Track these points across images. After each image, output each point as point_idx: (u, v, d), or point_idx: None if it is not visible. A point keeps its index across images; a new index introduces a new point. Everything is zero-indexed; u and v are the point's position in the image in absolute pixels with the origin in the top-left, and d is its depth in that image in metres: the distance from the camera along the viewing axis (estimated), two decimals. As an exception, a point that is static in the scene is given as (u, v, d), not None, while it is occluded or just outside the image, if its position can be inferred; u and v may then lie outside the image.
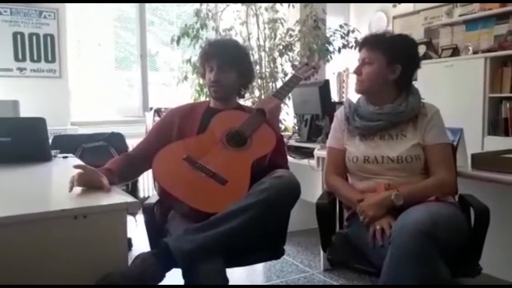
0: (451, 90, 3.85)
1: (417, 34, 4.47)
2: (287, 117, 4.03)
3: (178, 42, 3.93)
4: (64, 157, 2.18)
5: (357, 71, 1.71)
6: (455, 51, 4.08)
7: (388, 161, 1.63)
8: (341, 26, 4.16)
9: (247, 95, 4.05)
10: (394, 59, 1.65)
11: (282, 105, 2.03)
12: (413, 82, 1.77)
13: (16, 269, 1.08)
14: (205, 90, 4.01)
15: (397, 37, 1.73)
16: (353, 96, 1.85)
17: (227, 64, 1.76)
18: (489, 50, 3.79)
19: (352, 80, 5.00)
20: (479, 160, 1.81)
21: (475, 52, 3.92)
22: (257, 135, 1.70)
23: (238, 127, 1.70)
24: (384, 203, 1.53)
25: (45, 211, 1.15)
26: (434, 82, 3.89)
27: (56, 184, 1.41)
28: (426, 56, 4.21)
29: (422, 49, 4.21)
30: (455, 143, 1.82)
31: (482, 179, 1.75)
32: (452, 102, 3.70)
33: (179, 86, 4.18)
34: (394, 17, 4.95)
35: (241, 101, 1.99)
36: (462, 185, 1.70)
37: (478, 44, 4.02)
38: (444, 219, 1.35)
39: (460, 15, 4.17)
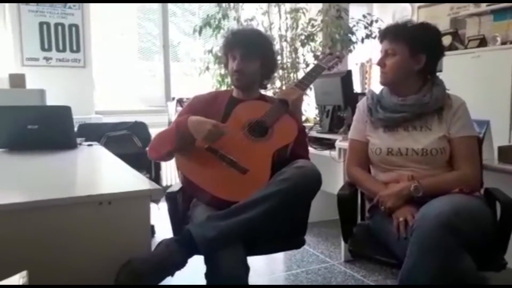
0: (478, 81, 3.75)
1: (443, 25, 4.36)
2: (309, 108, 4.00)
3: (200, 32, 3.94)
4: (89, 145, 2.23)
5: (381, 63, 1.68)
6: (482, 42, 3.96)
7: (413, 154, 1.61)
8: (364, 16, 4.09)
9: (268, 85, 4.05)
10: (417, 49, 1.62)
11: (303, 95, 2.01)
12: (438, 74, 1.74)
13: (41, 254, 1.12)
14: (226, 80, 4.02)
15: (419, 26, 1.69)
16: (376, 87, 1.83)
17: (250, 53, 1.75)
18: (518, 41, 3.68)
19: (375, 71, 4.95)
20: (506, 153, 1.77)
21: (503, 43, 3.81)
22: (278, 125, 1.70)
23: (260, 117, 1.70)
24: (403, 193, 1.52)
25: (71, 196, 1.18)
26: (460, 74, 3.80)
27: (81, 171, 1.45)
28: (452, 47, 4.11)
29: (448, 40, 4.11)
30: (481, 135, 1.78)
31: (508, 172, 1.71)
32: (479, 94, 3.61)
33: (200, 76, 4.19)
34: (419, 7, 4.84)
35: (262, 91, 1.98)
36: (488, 178, 1.67)
37: (507, 34, 3.90)
38: (467, 211, 1.33)
39: (488, 5, 4.05)
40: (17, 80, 3.16)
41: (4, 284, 0.88)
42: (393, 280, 2.24)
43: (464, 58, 3.92)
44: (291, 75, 4.11)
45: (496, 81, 3.66)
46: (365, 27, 4.05)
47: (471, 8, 4.22)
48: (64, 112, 2.12)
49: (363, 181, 1.71)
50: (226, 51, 1.82)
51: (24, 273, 0.93)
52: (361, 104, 1.81)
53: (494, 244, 1.45)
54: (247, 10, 4.16)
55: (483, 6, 4.09)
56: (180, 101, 3.80)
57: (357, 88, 4.72)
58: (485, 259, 1.41)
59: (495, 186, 1.61)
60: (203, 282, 1.37)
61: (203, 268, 1.36)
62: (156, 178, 2.89)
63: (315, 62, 2.04)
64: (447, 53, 1.75)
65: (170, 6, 4.47)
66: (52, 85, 3.45)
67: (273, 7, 4.11)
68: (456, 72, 3.75)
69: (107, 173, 1.66)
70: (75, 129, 2.35)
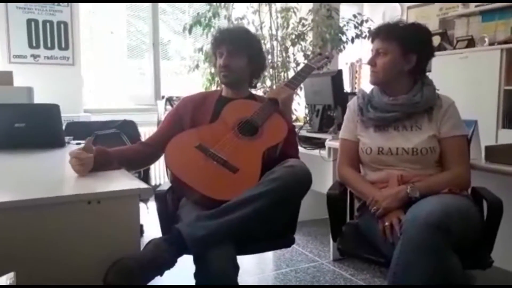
0: (466, 82, 3.80)
1: (432, 25, 4.41)
2: (299, 107, 4.01)
3: (190, 30, 3.93)
4: (77, 144, 2.20)
5: (371, 62, 1.69)
6: (470, 43, 4.01)
7: (403, 153, 1.62)
8: (354, 16, 4.11)
9: (258, 84, 4.06)
10: (409, 49, 1.63)
11: (293, 95, 2.01)
12: (427, 74, 1.75)
13: (29, 254, 1.10)
14: (216, 79, 4.01)
15: (410, 26, 1.70)
16: (366, 87, 1.84)
17: (236, 48, 1.76)
18: (505, 42, 3.72)
19: (365, 70, 4.97)
20: (493, 153, 1.79)
21: (491, 44, 3.85)
22: (268, 124, 1.70)
23: (250, 116, 1.70)
24: (399, 196, 1.52)
25: (59, 195, 1.16)
26: (448, 74, 3.84)
27: (69, 170, 1.43)
28: (441, 48, 4.15)
29: (436, 40, 4.15)
30: (469, 136, 1.80)
31: (495, 171, 1.73)
32: (467, 94, 3.65)
33: (190, 74, 4.18)
34: (408, 7, 4.88)
35: (252, 90, 1.98)
36: (475, 178, 1.69)
37: (495, 35, 3.95)
38: (456, 211, 1.34)
39: (477, 6, 4.09)
40: (4, 78, 3.11)
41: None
42: (381, 279, 2.25)
43: (452, 58, 3.96)
44: (282, 74, 4.11)
45: (484, 81, 3.70)
46: (355, 27, 4.07)
47: (460, 9, 4.27)
48: (52, 110, 2.10)
49: (353, 182, 1.71)
50: (214, 50, 1.83)
51: (11, 274, 0.92)
52: (352, 104, 1.82)
53: (481, 242, 1.47)
54: (238, 9, 4.16)
55: (472, 7, 4.13)
56: (169, 100, 3.78)
57: (346, 88, 4.74)
58: (473, 257, 1.42)
59: (482, 185, 1.63)
60: (192, 281, 1.36)
61: (192, 268, 1.36)
62: (145, 177, 2.88)
63: (305, 61, 2.04)
64: (435, 53, 1.77)
65: (161, 4, 4.45)
66: (40, 83, 3.40)
67: (264, 6, 4.11)
68: (445, 73, 3.79)
69: (96, 172, 1.65)
70: (63, 127, 2.32)
